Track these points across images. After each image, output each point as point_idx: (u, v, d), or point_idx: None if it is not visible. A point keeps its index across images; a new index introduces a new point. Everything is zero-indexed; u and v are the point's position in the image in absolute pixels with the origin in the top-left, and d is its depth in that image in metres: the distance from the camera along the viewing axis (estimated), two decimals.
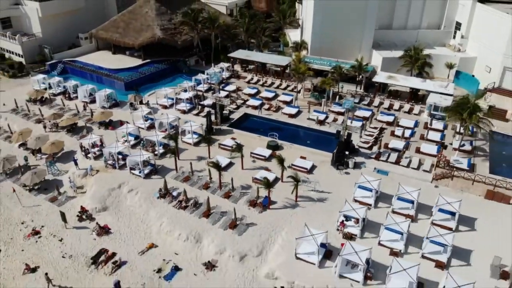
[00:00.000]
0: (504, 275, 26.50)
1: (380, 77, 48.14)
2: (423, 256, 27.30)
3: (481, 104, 41.05)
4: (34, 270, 28.51)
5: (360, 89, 49.25)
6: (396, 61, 50.30)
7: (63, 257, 29.41)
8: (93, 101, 47.89)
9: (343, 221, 29.55)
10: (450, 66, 51.41)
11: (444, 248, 27.17)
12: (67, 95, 49.75)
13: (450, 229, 29.24)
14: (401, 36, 56.27)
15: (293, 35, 63.98)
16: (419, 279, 25.02)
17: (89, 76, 54.50)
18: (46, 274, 27.20)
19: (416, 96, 47.10)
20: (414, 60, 48.05)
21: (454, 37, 56.54)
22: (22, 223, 32.55)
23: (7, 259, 29.86)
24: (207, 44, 58.98)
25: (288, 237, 28.99)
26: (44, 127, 43.32)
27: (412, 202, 30.87)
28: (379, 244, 28.18)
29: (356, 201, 31.65)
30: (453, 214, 29.80)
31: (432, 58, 49.82)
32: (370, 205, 31.46)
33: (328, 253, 27.41)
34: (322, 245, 27.21)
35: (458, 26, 55.88)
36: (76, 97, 49.16)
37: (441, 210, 30.15)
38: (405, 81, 47.29)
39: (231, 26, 61.12)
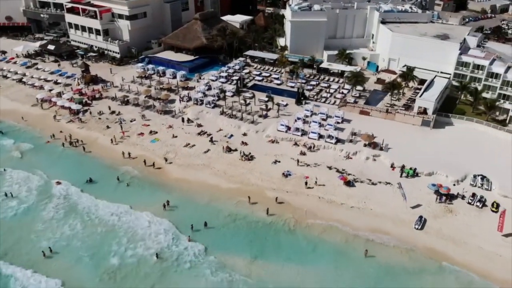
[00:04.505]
0: (353, 134, 77.48)
1: (324, 65, 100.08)
2: (325, 129, 78.32)
3: (373, 76, 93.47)
4: (175, 137, 79.01)
5: (314, 71, 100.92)
6: (335, 57, 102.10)
7: (185, 133, 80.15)
8: (174, 77, 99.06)
9: (295, 120, 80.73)
10: (364, 59, 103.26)
11: (332, 126, 78.35)
12: (158, 75, 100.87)
13: (337, 122, 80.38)
14: (341, 42, 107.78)
15: (281, 41, 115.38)
16: (320, 133, 76.35)
17: (166, 65, 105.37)
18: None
19: (343, 74, 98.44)
20: (342, 55, 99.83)
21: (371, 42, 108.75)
22: (163, 124, 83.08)
23: (161, 134, 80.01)
24: (230, 46, 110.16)
25: (274, 125, 79.96)
26: (155, 89, 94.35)
27: (324, 113, 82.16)
28: (308, 126, 79.41)
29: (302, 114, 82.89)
30: (339, 117, 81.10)
31: (354, 54, 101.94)
32: (308, 115, 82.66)
33: (288, 128, 78.48)
34: (287, 126, 78.39)
35: (372, 36, 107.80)
36: (164, 75, 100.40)
37: (336, 116, 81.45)
38: (336, 66, 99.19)
39: (244, 36, 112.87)
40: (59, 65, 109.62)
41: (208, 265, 52.84)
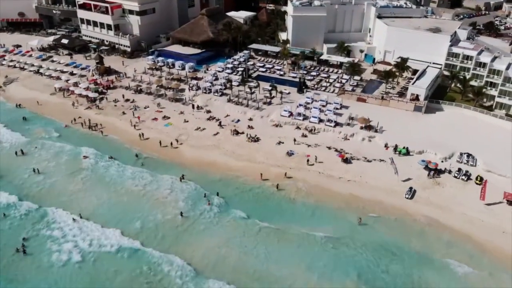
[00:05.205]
0: (351, 118, 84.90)
1: (324, 57, 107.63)
2: (325, 115, 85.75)
3: (370, 68, 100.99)
4: (187, 122, 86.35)
5: (314, 62, 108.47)
6: (333, 49, 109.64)
7: (196, 118, 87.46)
8: (183, 69, 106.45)
9: (297, 106, 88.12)
10: (361, 51, 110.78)
11: (331, 112, 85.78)
12: (168, 66, 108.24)
13: (336, 108, 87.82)
14: (340, 36, 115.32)
15: (283, 35, 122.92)
16: (320, 117, 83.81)
17: (174, 57, 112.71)
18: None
19: (341, 65, 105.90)
20: (340, 48, 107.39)
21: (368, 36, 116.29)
22: (174, 110, 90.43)
23: (174, 119, 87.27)
24: (235, 40, 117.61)
25: (277, 112, 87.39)
26: (166, 79, 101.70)
27: (324, 100, 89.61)
28: (309, 112, 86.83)
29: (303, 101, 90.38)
30: (338, 103, 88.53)
31: (352, 47, 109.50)
32: (309, 102, 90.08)
33: (291, 113, 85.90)
34: (289, 111, 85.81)
35: (369, 30, 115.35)
36: (173, 67, 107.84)
37: (335, 102, 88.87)
38: (335, 58, 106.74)
39: (247, 30, 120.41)
40: (71, 57, 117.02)
41: (221, 226, 60.62)
